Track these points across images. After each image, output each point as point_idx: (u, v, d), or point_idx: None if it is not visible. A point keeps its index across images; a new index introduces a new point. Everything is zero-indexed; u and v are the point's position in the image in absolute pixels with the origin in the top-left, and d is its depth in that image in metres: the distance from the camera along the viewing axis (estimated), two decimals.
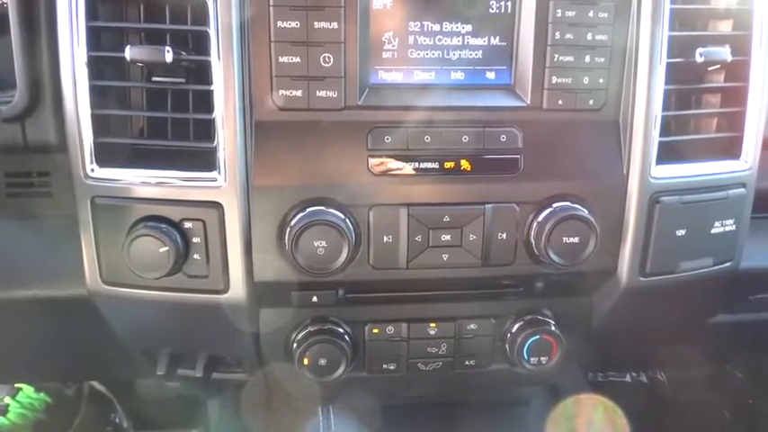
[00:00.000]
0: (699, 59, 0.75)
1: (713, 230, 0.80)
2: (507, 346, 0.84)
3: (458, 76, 0.74)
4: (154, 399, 1.42)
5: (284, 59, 0.69)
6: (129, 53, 0.66)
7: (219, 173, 0.69)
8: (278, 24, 0.68)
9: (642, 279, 0.79)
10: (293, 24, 0.68)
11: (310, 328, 0.78)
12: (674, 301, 0.90)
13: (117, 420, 1.48)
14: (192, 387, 1.07)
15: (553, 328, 0.84)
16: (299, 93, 0.70)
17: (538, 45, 0.72)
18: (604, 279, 0.81)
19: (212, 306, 0.73)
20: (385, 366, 0.83)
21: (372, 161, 0.71)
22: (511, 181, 0.73)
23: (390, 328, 0.81)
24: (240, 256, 0.70)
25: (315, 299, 0.76)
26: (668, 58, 0.73)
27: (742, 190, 0.81)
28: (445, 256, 0.74)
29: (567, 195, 0.74)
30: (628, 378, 1.66)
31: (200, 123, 0.70)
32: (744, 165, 0.80)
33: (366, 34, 0.71)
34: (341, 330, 0.79)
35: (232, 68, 0.67)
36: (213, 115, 0.68)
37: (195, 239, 0.70)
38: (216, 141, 0.69)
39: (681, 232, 0.78)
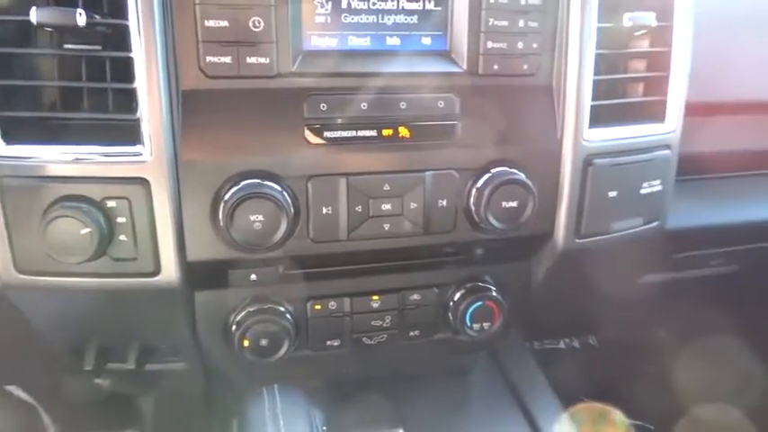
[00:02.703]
0: (627, 24, 0.77)
1: (642, 191, 0.83)
2: (450, 315, 0.85)
3: (393, 41, 0.73)
4: (83, 401, 1.34)
5: (210, 23, 0.65)
6: (35, 15, 0.60)
7: (144, 146, 0.64)
8: None
9: (577, 241, 0.81)
10: None
11: (250, 309, 0.75)
12: (606, 262, 0.93)
13: (42, 428, 1.38)
14: (125, 382, 1.01)
15: (494, 293, 0.84)
16: (227, 59, 0.66)
17: (473, 10, 0.72)
18: (542, 242, 0.83)
19: (142, 291, 0.68)
20: (329, 343, 0.81)
21: (309, 130, 0.68)
22: (449, 147, 0.73)
23: (333, 304, 0.79)
24: (171, 235, 0.66)
25: (254, 277, 0.73)
26: (598, 22, 0.75)
27: (667, 152, 0.84)
28: (386, 226, 0.72)
29: (505, 160, 0.75)
30: (562, 345, 1.72)
31: (121, 94, 0.65)
32: (668, 127, 0.83)
33: None
34: (282, 309, 0.76)
35: (153, 33, 0.63)
36: (134, 85, 0.63)
37: (120, 219, 0.65)
38: (139, 113, 0.64)
39: (612, 194, 0.80)
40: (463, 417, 1.02)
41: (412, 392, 1.00)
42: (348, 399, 0.94)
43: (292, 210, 0.67)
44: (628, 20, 0.77)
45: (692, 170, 0.98)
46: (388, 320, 0.82)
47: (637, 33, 0.80)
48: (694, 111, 0.91)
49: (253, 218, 0.65)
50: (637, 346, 1.50)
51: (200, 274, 0.71)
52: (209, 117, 0.66)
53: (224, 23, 0.65)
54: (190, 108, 0.66)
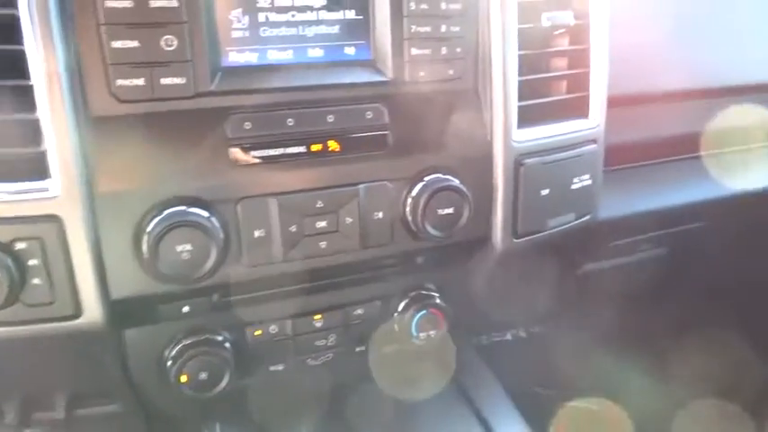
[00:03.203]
0: (546, 24, 0.78)
1: (573, 186, 0.84)
2: (396, 326, 0.83)
3: (316, 53, 0.70)
4: None
5: (118, 44, 0.60)
6: None
7: (53, 181, 0.59)
8: (106, 4, 0.59)
9: (515, 241, 0.81)
10: (125, 4, 0.60)
11: (185, 342, 0.71)
12: (544, 258, 0.94)
13: None
14: None
15: (438, 300, 0.84)
16: (140, 81, 0.62)
17: (394, 18, 0.71)
18: (481, 245, 0.83)
19: (64, 336, 0.63)
20: (272, 368, 0.78)
21: (233, 151, 0.65)
22: (381, 158, 0.71)
23: (274, 328, 0.76)
24: (91, 273, 0.61)
25: (186, 309, 0.69)
26: (518, 24, 0.75)
27: (594, 146, 0.86)
28: (323, 244, 0.70)
29: (438, 167, 0.74)
30: (509, 336, 1.75)
31: (23, 125, 0.59)
32: (593, 122, 0.85)
33: (212, 13, 0.64)
34: (219, 338, 0.72)
35: (55, 58, 0.58)
36: (36, 115, 0.58)
37: (32, 262, 0.59)
38: (44, 145, 0.59)
39: (545, 192, 0.81)
40: (411, 416, 1.02)
41: (361, 401, 0.98)
42: (293, 420, 0.91)
43: (222, 235, 0.64)
44: (546, 20, 0.78)
45: (615, 161, 1.01)
46: (332, 339, 0.79)
47: (556, 32, 0.82)
48: (614, 103, 0.94)
49: (180, 248, 0.61)
50: (581, 332, 1.54)
51: (127, 312, 0.66)
52: (124, 144, 0.62)
53: (133, 44, 0.61)
54: (103, 136, 0.61)
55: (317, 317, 0.78)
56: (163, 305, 0.68)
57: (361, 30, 0.72)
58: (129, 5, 0.59)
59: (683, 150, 1.11)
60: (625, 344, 1.41)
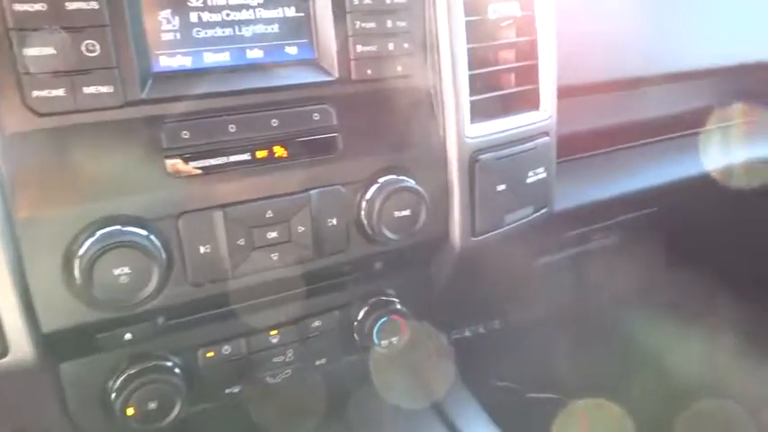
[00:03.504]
0: (492, 16, 0.76)
1: (528, 180, 0.83)
2: (357, 335, 0.80)
3: (256, 54, 0.66)
4: None
5: (32, 52, 0.54)
6: None
7: None
8: (14, 7, 0.53)
9: (473, 239, 0.79)
10: (37, 6, 0.54)
11: (130, 371, 0.65)
12: (504, 254, 0.93)
13: None
14: None
15: (398, 305, 0.81)
16: (60, 92, 0.56)
17: (336, 14, 0.67)
18: (440, 246, 0.81)
19: None
20: (228, 391, 0.73)
21: (171, 162, 0.60)
22: (332, 162, 0.68)
23: (227, 348, 0.71)
24: (16, 307, 0.55)
25: (128, 336, 0.64)
26: (465, 16, 0.73)
27: (546, 138, 0.84)
28: (275, 256, 0.66)
29: (392, 168, 0.71)
30: (468, 333, 1.75)
31: None
32: (545, 115, 0.84)
33: (138, 14, 0.59)
34: (168, 364, 0.67)
35: None
36: None
37: None
38: None
39: (501, 187, 0.79)
40: (376, 418, 0.99)
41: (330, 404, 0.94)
42: None
43: (164, 254, 0.59)
44: (493, 12, 0.76)
45: (566, 152, 1.01)
46: (290, 354, 0.75)
47: (503, 24, 0.80)
48: (563, 94, 0.93)
49: (117, 271, 0.56)
50: (539, 324, 1.55)
51: (62, 344, 0.60)
52: (46, 162, 0.56)
53: (49, 50, 0.55)
54: (20, 154, 0.55)
55: (273, 332, 0.74)
56: (102, 334, 0.63)
57: (302, 28, 0.68)
58: (42, 8, 0.54)
59: (632, 138, 1.12)
60: (584, 333, 1.42)
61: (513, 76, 0.83)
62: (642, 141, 1.17)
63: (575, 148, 1.09)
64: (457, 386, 1.05)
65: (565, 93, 0.94)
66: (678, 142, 1.17)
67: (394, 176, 0.70)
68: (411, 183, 0.71)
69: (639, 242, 1.23)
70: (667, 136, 1.20)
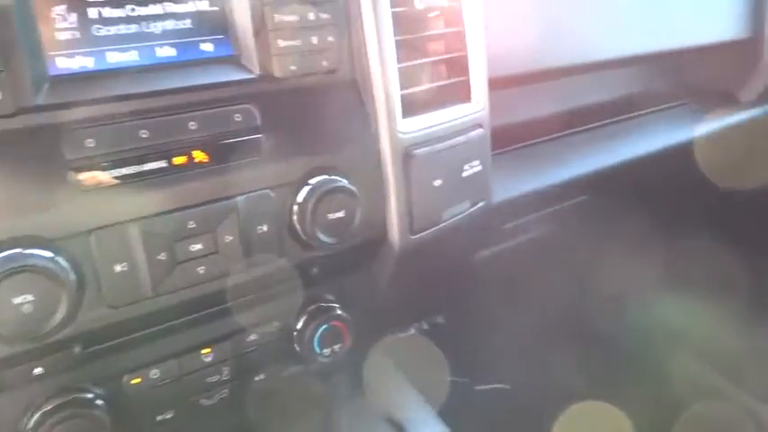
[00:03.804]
0: (419, 6, 0.73)
1: (464, 174, 0.81)
2: (297, 346, 0.76)
3: (167, 52, 0.61)
4: None
5: None
6: None
7: None
8: None
9: (412, 237, 0.77)
10: None
11: (46, 407, 0.59)
12: (444, 250, 0.91)
13: None
14: None
15: (339, 311, 0.78)
16: None
17: (254, 6, 0.63)
18: (378, 246, 0.78)
19: None
20: (160, 418, 0.68)
21: (75, 174, 0.54)
22: (258, 165, 0.63)
23: (155, 372, 0.66)
24: None
25: (39, 370, 0.57)
26: (391, 7, 0.70)
27: (480, 130, 0.83)
28: (201, 270, 0.61)
29: (324, 168, 0.68)
30: (413, 330, 1.73)
31: None
32: (477, 107, 0.83)
33: (27, 11, 0.53)
34: (90, 396, 0.61)
35: None
36: None
37: None
38: None
39: (437, 182, 0.77)
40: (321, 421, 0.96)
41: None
42: None
43: (73, 276, 0.53)
44: (420, 2, 0.74)
45: (501, 143, 1.00)
46: (226, 372, 0.71)
47: (431, 15, 0.78)
48: (493, 86, 0.92)
49: (18, 300, 0.50)
50: (482, 317, 1.55)
51: None
52: None
53: None
54: None
55: (206, 350, 0.69)
56: (8, 370, 0.56)
57: (218, 22, 0.63)
58: None
59: (564, 127, 1.13)
60: (528, 322, 1.43)
61: (443, 68, 0.81)
62: (574, 130, 1.19)
63: (509, 140, 1.09)
64: (403, 384, 1.02)
65: (497, 84, 0.93)
66: (607, 129, 1.19)
67: (326, 177, 0.67)
68: (344, 183, 0.68)
69: (573, 230, 1.25)
70: (598, 123, 1.22)
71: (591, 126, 1.22)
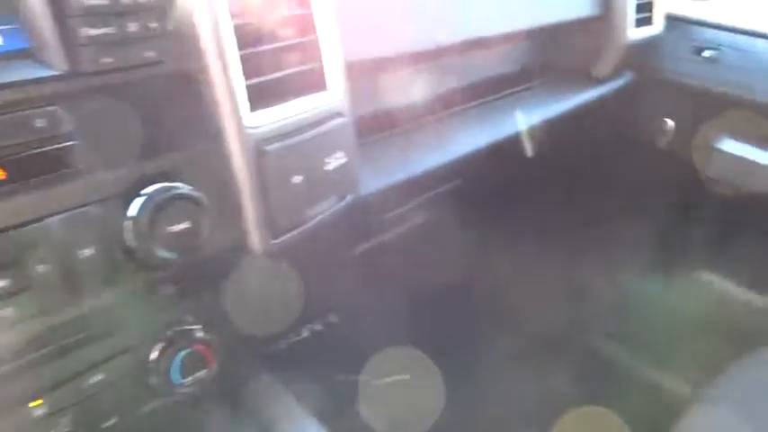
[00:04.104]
0: None
1: (327, 167, 0.75)
2: (153, 379, 0.67)
3: None
4: None
5: None
6: None
7: None
8: None
9: (275, 241, 0.70)
10: None
11: None
12: (317, 249, 0.85)
13: None
14: None
15: (200, 333, 0.69)
16: None
17: None
18: (238, 255, 0.70)
19: None
20: None
21: None
22: (72, 178, 0.53)
23: None
24: None
25: None
26: None
27: (341, 119, 0.77)
28: (9, 312, 0.50)
29: (159, 175, 0.59)
30: (306, 333, 1.67)
31: None
32: (334, 95, 0.77)
33: None
34: None
35: None
36: None
37: None
38: None
39: (297, 179, 0.71)
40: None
41: None
42: None
43: None
44: None
45: (368, 132, 0.96)
46: (64, 424, 0.60)
47: None
48: (357, 71, 0.87)
49: None
50: (374, 311, 1.52)
51: None
52: None
53: None
54: None
55: (36, 403, 0.58)
56: None
57: (6, 10, 0.52)
58: None
59: (437, 110, 1.10)
60: (417, 312, 1.41)
61: (294, 54, 0.74)
62: (446, 112, 1.17)
63: (379, 127, 1.05)
64: (283, 398, 0.95)
65: (362, 70, 0.88)
66: (479, 110, 1.18)
67: (163, 184, 0.58)
68: (186, 189, 0.59)
69: (450, 216, 1.24)
70: (468, 105, 1.21)
71: (458, 109, 1.20)
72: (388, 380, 1.72)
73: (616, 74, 1.39)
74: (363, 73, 0.95)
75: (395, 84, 1.07)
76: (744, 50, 1.44)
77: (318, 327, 1.70)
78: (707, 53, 1.46)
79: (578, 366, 1.62)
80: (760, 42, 1.45)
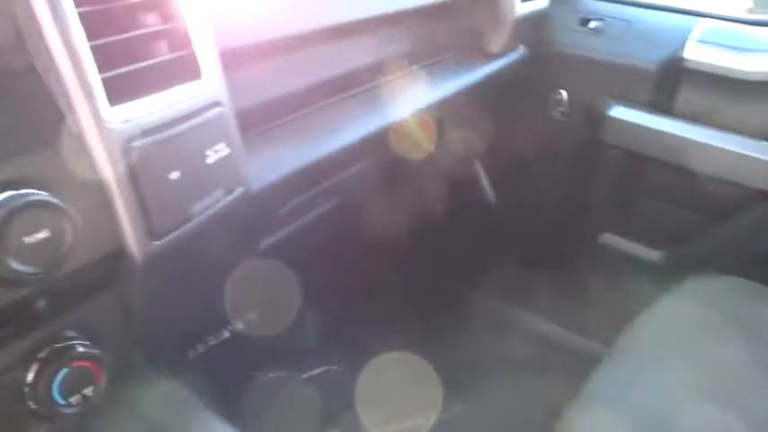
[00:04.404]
0: None
1: (209, 161, 0.71)
2: (33, 404, 0.61)
3: None
4: None
5: None
6: None
7: None
8: None
9: (156, 243, 0.66)
10: None
11: None
12: (209, 247, 0.81)
13: None
14: None
15: (82, 348, 0.64)
16: None
17: None
18: (117, 261, 0.65)
19: None
20: None
21: None
22: None
23: None
24: None
25: None
26: None
27: (219, 109, 0.73)
28: None
29: (8, 182, 0.53)
30: (227, 333, 1.62)
31: None
32: (210, 83, 0.73)
33: None
34: None
35: None
36: None
37: None
38: None
39: (175, 175, 0.67)
40: None
41: None
42: None
43: None
44: None
45: (258, 122, 0.92)
46: None
47: None
48: (240, 58, 0.84)
49: None
50: (293, 303, 1.49)
51: None
52: None
53: None
54: None
55: None
56: None
57: None
58: None
59: (327, 96, 1.08)
60: (332, 302, 1.40)
61: (159, 42, 0.70)
62: (340, 97, 1.14)
63: (269, 116, 1.01)
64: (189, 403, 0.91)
65: (243, 56, 0.84)
66: (374, 93, 1.17)
67: (12, 193, 0.53)
68: (40, 195, 0.54)
69: (357, 199, 1.22)
70: (364, 88, 1.20)
71: (361, 89, 1.19)
72: (314, 372, 1.71)
73: (508, 49, 1.42)
74: (247, 61, 0.92)
75: (283, 71, 1.03)
76: (626, 20, 1.51)
77: (239, 326, 1.66)
78: (592, 24, 1.51)
79: (494, 333, 1.66)
80: (640, 12, 1.52)
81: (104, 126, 0.60)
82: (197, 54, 0.72)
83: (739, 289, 1.21)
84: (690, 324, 1.12)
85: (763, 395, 0.98)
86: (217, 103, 0.73)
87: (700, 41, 1.40)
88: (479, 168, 1.59)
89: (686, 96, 1.42)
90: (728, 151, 1.31)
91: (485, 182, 1.74)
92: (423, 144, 1.23)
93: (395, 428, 1.53)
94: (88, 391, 0.64)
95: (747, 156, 1.29)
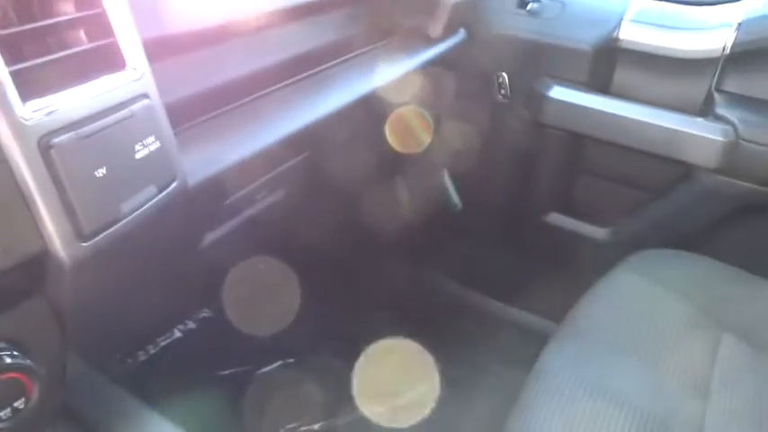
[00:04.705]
0: None
1: (138, 155, 0.68)
2: None
3: None
4: None
5: None
6: None
7: None
8: None
9: (85, 245, 0.63)
10: None
11: None
12: (145, 245, 0.78)
13: None
14: None
15: (12, 359, 0.61)
16: None
17: None
18: (40, 266, 0.62)
19: None
20: None
21: None
22: None
23: None
24: None
25: None
26: None
27: (147, 101, 0.70)
28: None
29: None
30: (177, 333, 1.58)
31: None
32: (135, 74, 0.69)
33: None
34: None
35: None
36: None
37: None
38: None
39: (101, 171, 0.63)
40: None
41: None
42: None
43: None
44: None
45: (192, 114, 0.89)
46: None
47: None
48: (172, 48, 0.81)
49: None
50: (242, 297, 1.47)
51: None
52: None
53: None
54: None
55: None
56: None
57: None
58: None
59: (270, 83, 1.05)
60: (287, 294, 1.38)
61: (76, 31, 0.66)
62: (284, 84, 1.11)
63: (206, 108, 0.98)
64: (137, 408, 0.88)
65: (178, 47, 0.81)
66: (317, 79, 1.14)
67: None
68: None
69: (305, 188, 1.20)
70: (306, 74, 1.17)
71: (299, 78, 1.16)
72: (272, 366, 1.70)
73: (449, 33, 1.42)
74: (177, 50, 0.88)
75: (218, 60, 1.00)
76: (562, 2, 1.53)
77: (192, 324, 1.62)
78: (530, 6, 1.53)
79: (438, 315, 1.68)
80: None
81: (17, 122, 0.56)
82: (120, 43, 0.68)
83: (682, 261, 1.25)
84: (636, 298, 1.15)
85: (703, 356, 1.02)
86: (144, 95, 0.70)
87: (633, 21, 1.43)
88: (429, 155, 1.58)
89: (622, 75, 1.45)
90: (664, 128, 1.35)
91: (435, 168, 1.74)
92: (370, 131, 1.21)
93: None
94: (19, 403, 0.61)
95: (682, 131, 1.33)
